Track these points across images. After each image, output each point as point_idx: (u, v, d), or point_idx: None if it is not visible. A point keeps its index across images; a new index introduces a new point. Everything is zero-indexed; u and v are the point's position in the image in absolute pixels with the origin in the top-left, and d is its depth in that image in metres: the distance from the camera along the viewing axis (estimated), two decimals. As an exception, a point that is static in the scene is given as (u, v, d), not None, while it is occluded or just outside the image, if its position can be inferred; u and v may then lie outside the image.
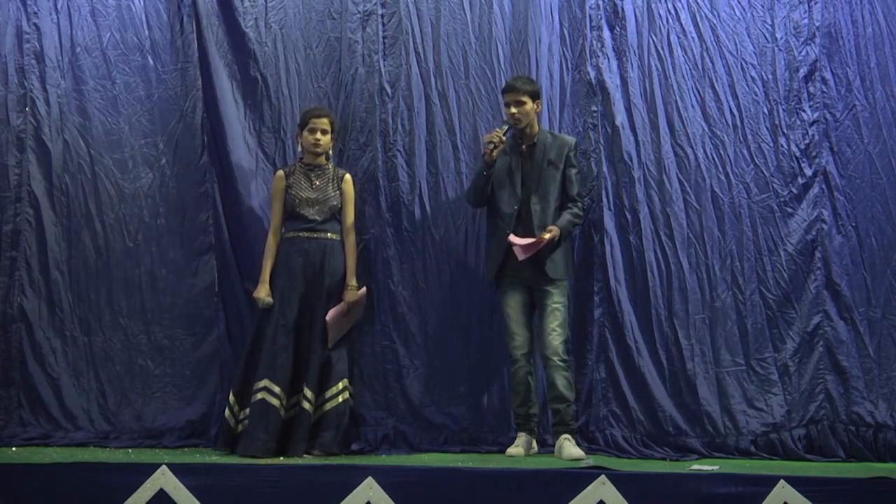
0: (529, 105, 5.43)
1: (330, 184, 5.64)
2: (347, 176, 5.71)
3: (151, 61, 6.09)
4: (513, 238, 5.34)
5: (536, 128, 5.52)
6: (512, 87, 5.45)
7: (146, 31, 6.10)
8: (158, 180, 6.05)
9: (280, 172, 5.69)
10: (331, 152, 5.72)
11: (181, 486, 4.54)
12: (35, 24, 6.11)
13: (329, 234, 5.61)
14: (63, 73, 6.11)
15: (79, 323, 6.00)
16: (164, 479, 4.56)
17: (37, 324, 5.98)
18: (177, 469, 4.59)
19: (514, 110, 5.43)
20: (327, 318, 5.49)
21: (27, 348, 5.96)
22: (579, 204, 5.49)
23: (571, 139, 5.55)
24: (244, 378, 5.52)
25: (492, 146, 5.37)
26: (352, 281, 5.62)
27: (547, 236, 5.29)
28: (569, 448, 5.22)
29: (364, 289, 5.68)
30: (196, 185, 6.03)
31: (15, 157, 6.06)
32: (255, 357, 5.51)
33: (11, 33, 6.11)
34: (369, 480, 4.47)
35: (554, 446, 5.35)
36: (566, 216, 5.43)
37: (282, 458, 5.20)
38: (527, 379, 5.41)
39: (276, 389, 5.38)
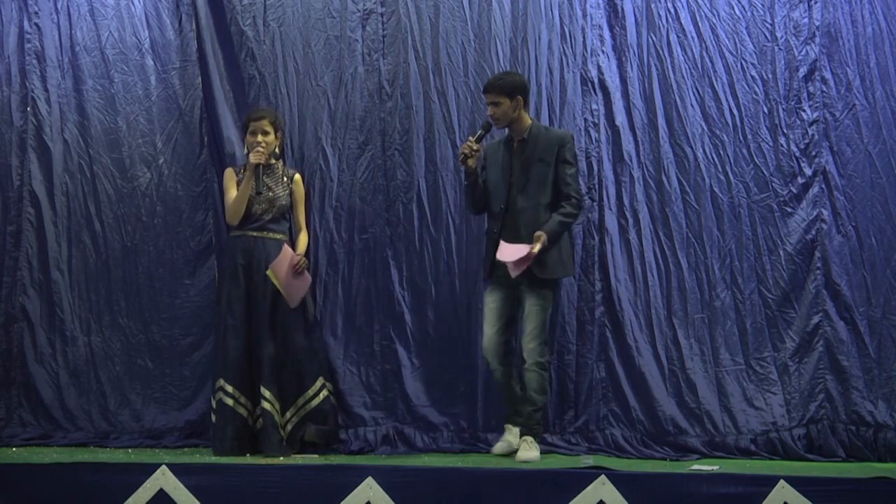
0: (507, 104, 5.24)
1: (279, 183, 5.62)
2: (297, 176, 5.69)
3: (150, 60, 6.08)
4: (501, 255, 5.13)
5: (527, 121, 5.34)
6: (487, 87, 5.30)
7: (145, 31, 6.10)
8: (156, 179, 6.04)
9: (229, 170, 5.66)
10: (278, 150, 5.66)
11: (181, 486, 4.54)
12: (36, 24, 6.12)
13: (276, 235, 5.57)
14: (63, 73, 6.11)
15: (79, 323, 6.00)
16: (164, 479, 4.56)
17: (38, 324, 5.99)
18: (177, 469, 4.58)
19: (489, 112, 5.31)
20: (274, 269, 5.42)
21: (28, 348, 5.98)
22: (572, 201, 5.20)
23: (566, 133, 5.37)
24: (213, 378, 5.61)
25: (463, 157, 5.24)
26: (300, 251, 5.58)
27: (537, 248, 5.07)
28: (524, 450, 5.11)
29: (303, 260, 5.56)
30: (194, 185, 6.02)
31: (18, 157, 6.07)
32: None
33: (14, 34, 6.12)
34: (369, 480, 4.47)
35: (552, 445, 5.38)
36: (555, 218, 5.16)
37: (281, 459, 5.20)
38: (503, 380, 5.36)
39: (230, 388, 5.44)
